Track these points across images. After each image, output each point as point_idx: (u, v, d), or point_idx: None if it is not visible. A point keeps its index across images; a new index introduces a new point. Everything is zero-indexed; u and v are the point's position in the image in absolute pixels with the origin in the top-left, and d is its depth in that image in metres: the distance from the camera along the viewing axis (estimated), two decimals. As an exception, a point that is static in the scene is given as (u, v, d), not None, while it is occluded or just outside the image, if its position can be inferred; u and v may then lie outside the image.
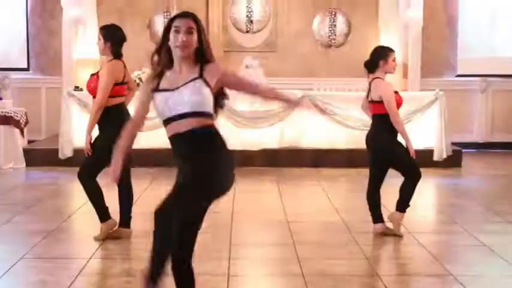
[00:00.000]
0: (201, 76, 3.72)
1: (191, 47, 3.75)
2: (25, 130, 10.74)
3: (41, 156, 10.40)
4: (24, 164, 10.33)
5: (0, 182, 9.18)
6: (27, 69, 12.61)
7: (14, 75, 12.51)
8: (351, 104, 9.94)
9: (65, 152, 10.14)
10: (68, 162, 9.92)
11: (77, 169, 6.04)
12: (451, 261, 5.51)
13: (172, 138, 3.75)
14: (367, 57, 6.24)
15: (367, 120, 6.96)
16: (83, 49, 12.19)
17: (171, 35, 3.76)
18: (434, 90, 10.76)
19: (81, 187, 6.03)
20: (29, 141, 11.02)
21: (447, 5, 12.90)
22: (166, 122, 3.76)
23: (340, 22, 12.76)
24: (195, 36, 3.76)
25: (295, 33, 12.84)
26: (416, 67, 12.06)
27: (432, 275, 5.14)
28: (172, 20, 3.84)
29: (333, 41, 12.76)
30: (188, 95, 3.67)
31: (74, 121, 10.20)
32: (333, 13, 12.74)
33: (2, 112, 10.34)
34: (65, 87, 10.99)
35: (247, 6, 12.63)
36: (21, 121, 10.57)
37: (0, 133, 10.25)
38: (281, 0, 12.74)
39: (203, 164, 3.67)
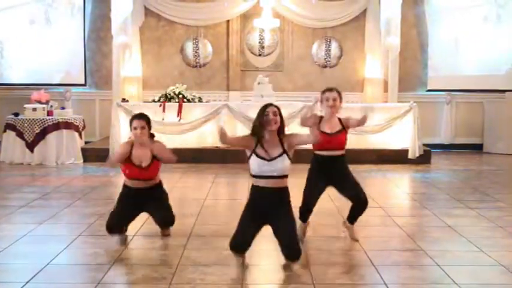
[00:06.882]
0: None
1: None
2: (83, 133, 10.81)
3: (95, 154, 10.42)
4: (82, 160, 10.39)
5: (62, 174, 9.23)
6: (84, 85, 12.63)
7: (74, 89, 12.56)
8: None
9: (114, 151, 10.18)
10: (116, 159, 9.96)
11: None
12: (421, 238, 5.49)
13: None
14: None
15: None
16: (129, 69, 12.25)
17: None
18: (409, 102, 10.73)
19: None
20: (86, 142, 11.06)
21: (419, 33, 12.86)
22: None
23: (334, 47, 12.73)
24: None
25: (297, 56, 12.83)
26: (394, 83, 12.01)
27: (407, 250, 5.12)
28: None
29: (328, 62, 12.73)
30: None
31: (121, 126, 10.25)
32: (328, 40, 12.72)
33: (65, 119, 10.39)
34: (114, 99, 11.03)
35: (259, 35, 12.63)
36: (79, 126, 10.63)
37: (63, 135, 10.31)
38: (286, 30, 12.73)
39: None
